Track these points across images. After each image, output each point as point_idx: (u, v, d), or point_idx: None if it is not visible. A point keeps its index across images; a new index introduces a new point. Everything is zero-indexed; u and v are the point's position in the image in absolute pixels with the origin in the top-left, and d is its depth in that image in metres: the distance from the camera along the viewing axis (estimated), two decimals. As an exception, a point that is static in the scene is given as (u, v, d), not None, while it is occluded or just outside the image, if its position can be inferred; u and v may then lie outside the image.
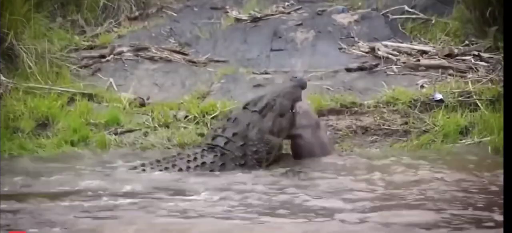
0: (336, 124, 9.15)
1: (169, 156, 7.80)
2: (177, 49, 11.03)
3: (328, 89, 9.85)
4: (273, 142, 7.83)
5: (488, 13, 10.42)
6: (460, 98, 9.24)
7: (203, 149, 7.74)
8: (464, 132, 8.79)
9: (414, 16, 11.48)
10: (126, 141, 8.87)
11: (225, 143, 7.72)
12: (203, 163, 7.61)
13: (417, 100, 9.29)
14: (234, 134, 7.75)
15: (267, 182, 7.17)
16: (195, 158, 7.63)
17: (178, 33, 11.52)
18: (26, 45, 9.90)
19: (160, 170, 7.50)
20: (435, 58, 10.36)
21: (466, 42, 10.72)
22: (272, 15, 11.70)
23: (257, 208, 6.24)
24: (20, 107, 9.07)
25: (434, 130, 8.83)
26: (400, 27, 11.33)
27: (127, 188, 6.88)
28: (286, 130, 7.99)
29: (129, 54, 10.71)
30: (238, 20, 11.65)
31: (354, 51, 10.74)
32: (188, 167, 7.55)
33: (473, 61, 10.21)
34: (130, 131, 8.99)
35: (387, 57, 10.42)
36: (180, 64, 10.58)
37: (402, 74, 10.10)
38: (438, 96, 9.26)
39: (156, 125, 9.10)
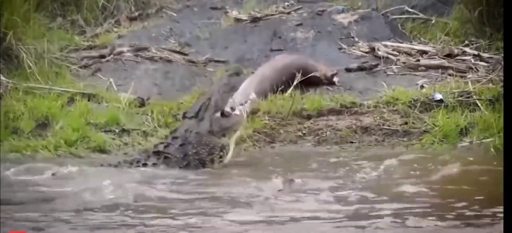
0: (336, 124, 9.15)
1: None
2: (177, 49, 11.03)
3: (328, 89, 9.86)
4: (213, 142, 7.88)
5: (487, 13, 10.44)
6: (460, 98, 9.24)
7: (148, 155, 7.90)
8: (464, 132, 8.80)
9: (414, 16, 11.49)
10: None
11: (165, 147, 7.85)
12: (144, 164, 7.74)
13: (417, 100, 9.30)
14: (173, 138, 7.91)
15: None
16: (138, 161, 7.77)
17: (178, 33, 11.52)
18: (26, 45, 9.90)
19: None
20: (435, 58, 10.37)
21: (466, 42, 10.73)
22: (272, 15, 11.70)
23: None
24: (20, 107, 9.06)
25: (434, 130, 8.84)
26: (400, 27, 11.34)
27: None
28: (232, 129, 8.04)
29: (129, 54, 10.71)
30: (238, 20, 11.64)
31: (354, 51, 10.75)
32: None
33: (473, 61, 10.22)
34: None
35: (387, 57, 10.43)
36: (180, 64, 10.58)
37: (402, 74, 10.11)
38: (438, 96, 9.26)
39: (156, 125, 9.11)
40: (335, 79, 9.95)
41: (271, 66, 9.83)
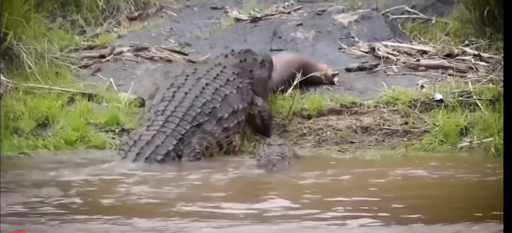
0: (336, 124, 9.15)
1: None
2: (177, 49, 11.03)
3: (328, 89, 9.85)
4: None
5: (486, 13, 10.45)
6: (460, 98, 9.24)
7: None
8: (464, 132, 8.81)
9: (414, 16, 11.49)
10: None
11: None
12: None
13: (417, 100, 9.30)
14: None
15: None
16: None
17: (178, 33, 11.51)
18: (26, 45, 9.90)
19: None
20: (435, 58, 10.37)
21: (466, 42, 10.73)
22: (272, 15, 11.70)
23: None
24: (20, 107, 9.06)
25: (434, 130, 8.85)
26: (400, 27, 11.34)
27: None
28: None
29: (129, 54, 10.70)
30: (238, 20, 11.64)
31: (354, 51, 10.74)
32: None
33: (473, 61, 10.22)
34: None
35: (387, 57, 10.42)
36: (180, 64, 10.58)
37: (402, 74, 10.11)
38: (438, 96, 9.27)
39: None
40: (335, 79, 9.94)
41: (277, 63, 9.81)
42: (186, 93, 8.42)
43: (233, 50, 9.33)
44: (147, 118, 8.43)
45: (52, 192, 6.81)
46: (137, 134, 8.22)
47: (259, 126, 8.94)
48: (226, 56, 9.10)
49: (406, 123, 9.07)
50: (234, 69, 8.84)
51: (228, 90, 8.57)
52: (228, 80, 8.66)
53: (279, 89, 9.56)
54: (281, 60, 9.80)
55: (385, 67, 10.24)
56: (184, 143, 8.11)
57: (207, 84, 8.55)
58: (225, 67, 8.82)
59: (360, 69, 10.22)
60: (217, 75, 8.69)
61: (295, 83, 9.60)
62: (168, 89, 8.56)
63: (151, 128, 8.19)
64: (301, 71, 9.65)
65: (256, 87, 8.97)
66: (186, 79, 8.62)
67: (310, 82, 9.83)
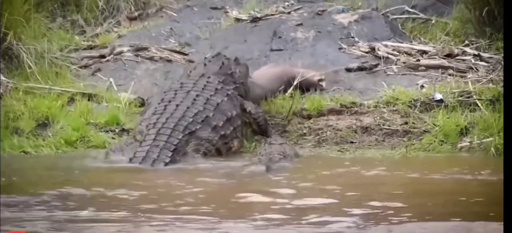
0: (336, 124, 9.16)
1: None
2: (177, 49, 11.03)
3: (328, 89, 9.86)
4: None
5: (486, 13, 10.45)
6: (460, 98, 9.25)
7: None
8: (464, 132, 8.81)
9: (414, 16, 11.49)
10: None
11: None
12: None
13: (417, 100, 9.31)
14: None
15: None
16: None
17: (178, 33, 11.52)
18: (26, 45, 9.90)
19: None
20: (435, 58, 10.37)
21: (466, 42, 10.73)
22: (272, 15, 11.70)
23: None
24: (20, 107, 9.07)
25: (434, 130, 8.85)
26: (400, 27, 11.34)
27: None
28: None
29: (129, 54, 10.71)
30: (238, 20, 11.64)
31: (354, 51, 10.74)
32: None
33: (473, 61, 10.22)
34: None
35: (387, 57, 10.42)
36: (180, 64, 10.58)
37: (402, 74, 10.11)
38: (438, 96, 9.27)
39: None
40: (322, 83, 9.88)
41: (264, 76, 9.72)
42: (177, 105, 8.35)
43: (205, 57, 9.29)
44: (139, 131, 8.33)
45: None
46: (131, 150, 8.13)
47: (257, 130, 8.95)
48: (205, 65, 9.03)
49: (406, 123, 9.07)
50: (219, 77, 8.79)
51: (219, 99, 8.52)
52: (216, 89, 8.61)
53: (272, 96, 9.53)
54: (268, 74, 9.73)
55: (385, 67, 10.24)
56: (180, 153, 8.04)
57: (197, 95, 8.49)
58: (209, 77, 8.77)
59: (360, 69, 10.22)
60: (205, 85, 8.63)
61: (294, 83, 9.61)
62: (159, 103, 8.51)
63: (144, 143, 8.08)
64: (294, 80, 9.60)
65: (240, 90, 8.93)
66: (175, 93, 8.56)
67: (306, 87, 9.79)
